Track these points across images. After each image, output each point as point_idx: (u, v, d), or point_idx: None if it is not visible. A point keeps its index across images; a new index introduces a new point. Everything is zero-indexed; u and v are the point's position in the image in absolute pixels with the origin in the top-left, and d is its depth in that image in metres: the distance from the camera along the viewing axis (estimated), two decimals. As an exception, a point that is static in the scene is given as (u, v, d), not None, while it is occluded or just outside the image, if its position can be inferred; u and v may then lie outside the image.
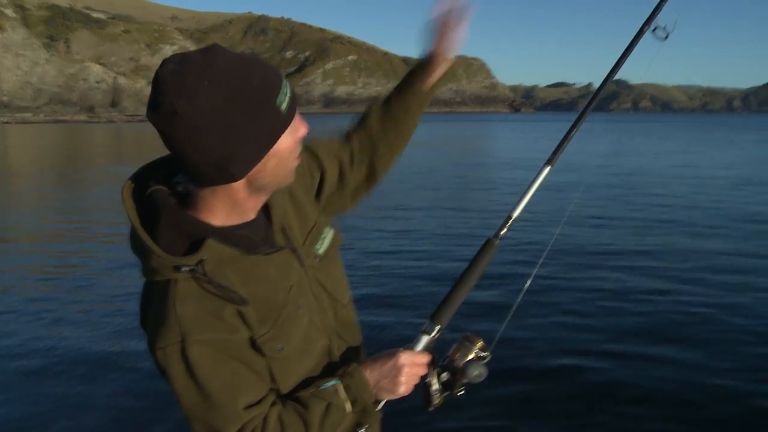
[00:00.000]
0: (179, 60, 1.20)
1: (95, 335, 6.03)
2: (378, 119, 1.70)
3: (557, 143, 1.73)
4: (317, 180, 1.60)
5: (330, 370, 1.47)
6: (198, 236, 1.27)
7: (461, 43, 1.63)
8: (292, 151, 1.31)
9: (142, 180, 1.34)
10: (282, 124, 1.26)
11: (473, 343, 1.48)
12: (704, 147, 38.18)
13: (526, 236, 8.92)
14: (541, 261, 1.74)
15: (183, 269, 1.24)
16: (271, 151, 1.26)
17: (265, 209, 1.41)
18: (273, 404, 1.34)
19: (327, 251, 1.53)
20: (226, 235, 1.30)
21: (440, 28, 1.61)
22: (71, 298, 7.31)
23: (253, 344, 1.31)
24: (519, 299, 1.61)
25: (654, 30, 1.84)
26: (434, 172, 21.50)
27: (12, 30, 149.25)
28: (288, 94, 1.26)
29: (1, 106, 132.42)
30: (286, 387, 1.39)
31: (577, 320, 6.25)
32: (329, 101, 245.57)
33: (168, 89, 1.16)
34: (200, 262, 1.24)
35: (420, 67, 1.67)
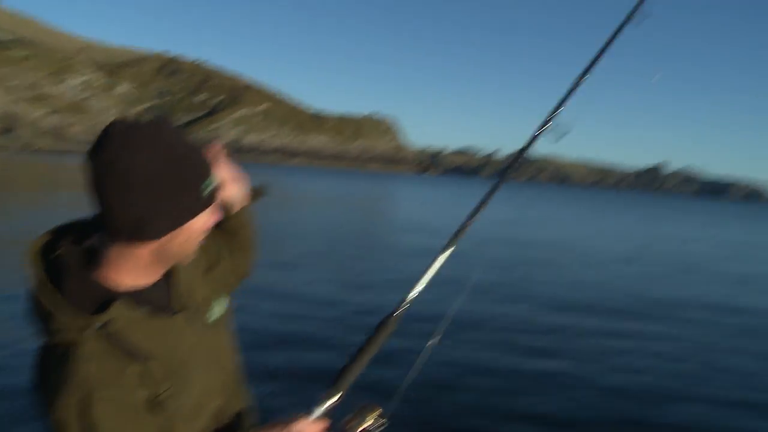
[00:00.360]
0: (133, 121, 1.28)
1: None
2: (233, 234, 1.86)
3: (457, 227, 1.92)
4: (206, 257, 1.71)
5: (211, 425, 1.53)
6: (106, 296, 1.30)
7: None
8: (201, 233, 1.41)
9: (52, 239, 1.36)
10: (202, 206, 1.36)
11: (370, 412, 1.55)
12: (600, 222, 41.33)
13: (425, 309, 9.66)
14: (437, 337, 1.88)
15: (89, 330, 1.25)
16: (185, 226, 1.35)
17: (167, 274, 1.48)
18: None
19: (218, 319, 1.63)
20: (132, 296, 1.35)
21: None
22: None
23: (155, 402, 1.33)
24: (415, 373, 1.73)
25: (552, 130, 2.13)
26: (340, 233, 22.57)
27: None
28: (214, 183, 1.39)
29: None
30: None
31: (471, 398, 6.84)
32: (237, 149, 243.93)
33: (115, 141, 1.23)
34: (107, 322, 1.27)
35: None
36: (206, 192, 1.37)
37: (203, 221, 1.41)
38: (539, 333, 9.96)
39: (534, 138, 2.16)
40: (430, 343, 1.77)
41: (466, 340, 8.98)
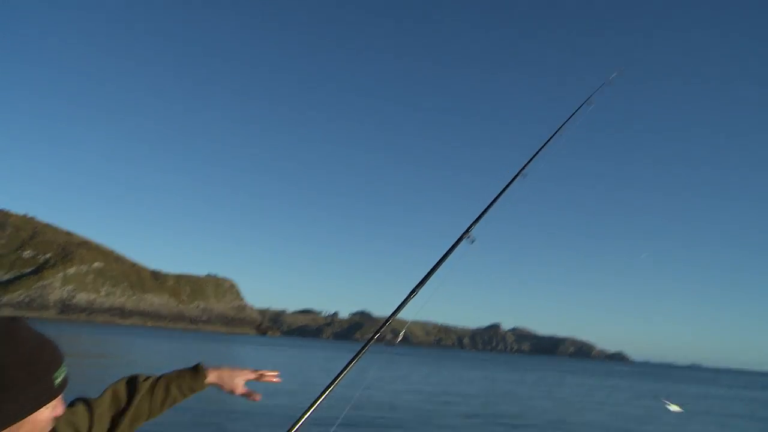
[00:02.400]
0: None
1: None
2: (140, 399, 1.89)
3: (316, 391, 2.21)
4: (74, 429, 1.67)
5: None
6: None
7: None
8: (47, 425, 1.39)
9: None
10: (50, 396, 1.37)
11: None
12: (441, 379, 43.24)
13: None
14: None
15: None
16: (30, 417, 1.34)
17: None
18: None
19: None
20: None
21: (240, 386, 2.08)
22: None
23: None
24: None
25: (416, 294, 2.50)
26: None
27: None
28: (63, 376, 1.40)
29: None
30: None
31: None
32: (66, 307, 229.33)
33: None
34: None
35: (201, 372, 2.02)
36: (57, 381, 1.37)
37: (49, 413, 1.38)
38: None
39: (404, 303, 2.71)
40: None
41: None
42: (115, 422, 1.82)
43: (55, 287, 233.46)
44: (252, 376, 2.16)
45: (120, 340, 77.25)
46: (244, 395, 2.13)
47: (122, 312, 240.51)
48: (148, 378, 1.97)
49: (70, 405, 1.76)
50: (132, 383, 1.93)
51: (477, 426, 20.51)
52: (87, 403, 1.80)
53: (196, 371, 2.05)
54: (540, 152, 3.55)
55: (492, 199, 3.14)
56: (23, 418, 1.31)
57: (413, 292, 2.74)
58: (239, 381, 2.11)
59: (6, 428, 1.31)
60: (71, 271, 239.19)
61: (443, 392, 34.56)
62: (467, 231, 3.00)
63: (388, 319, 2.53)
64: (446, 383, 43.11)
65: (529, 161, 3.47)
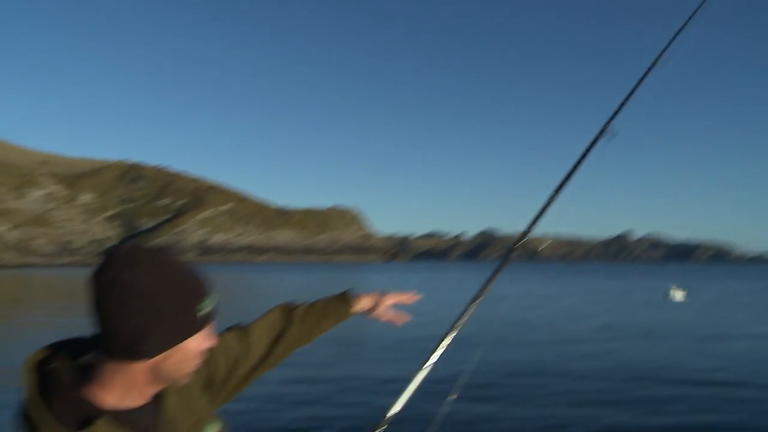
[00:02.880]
0: (137, 245, 1.37)
1: None
2: (293, 326, 1.94)
3: (436, 343, 1.97)
4: (205, 373, 1.70)
5: None
6: (90, 414, 1.30)
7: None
8: (196, 355, 1.40)
9: (49, 354, 1.38)
10: (197, 327, 1.37)
11: None
12: (573, 293, 42.19)
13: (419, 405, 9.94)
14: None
15: None
16: (180, 346, 1.35)
17: (158, 397, 1.47)
18: None
19: None
20: (117, 416, 1.34)
21: (385, 311, 2.05)
22: None
23: None
24: None
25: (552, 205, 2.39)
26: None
27: None
28: (210, 307, 1.39)
29: None
30: None
31: None
32: (204, 250, 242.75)
33: (117, 261, 1.29)
34: None
35: (348, 301, 2.04)
36: (202, 313, 1.39)
37: (198, 343, 1.41)
38: (547, 405, 10.63)
39: (537, 218, 2.50)
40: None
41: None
42: (270, 348, 1.89)
43: (192, 231, 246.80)
44: (395, 299, 2.11)
45: (256, 277, 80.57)
46: (389, 320, 2.11)
47: (255, 250, 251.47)
48: (299, 305, 2.01)
49: (224, 333, 1.82)
50: (285, 310, 1.98)
51: (617, 339, 19.47)
52: (241, 329, 1.87)
53: (344, 297, 2.07)
54: (682, 31, 2.95)
55: (631, 88, 2.77)
56: (170, 348, 1.34)
57: (553, 197, 2.44)
58: (384, 306, 2.10)
59: (153, 357, 1.34)
60: (205, 214, 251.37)
61: (577, 306, 33.54)
62: (607, 124, 2.70)
63: (525, 232, 2.28)
64: (579, 297, 41.63)
65: (671, 41, 2.92)
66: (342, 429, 9.68)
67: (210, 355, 1.66)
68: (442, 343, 1.91)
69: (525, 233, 2.50)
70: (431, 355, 1.73)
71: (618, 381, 12.85)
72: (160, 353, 1.34)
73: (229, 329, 1.85)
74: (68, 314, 25.99)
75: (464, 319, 2.08)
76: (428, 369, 1.78)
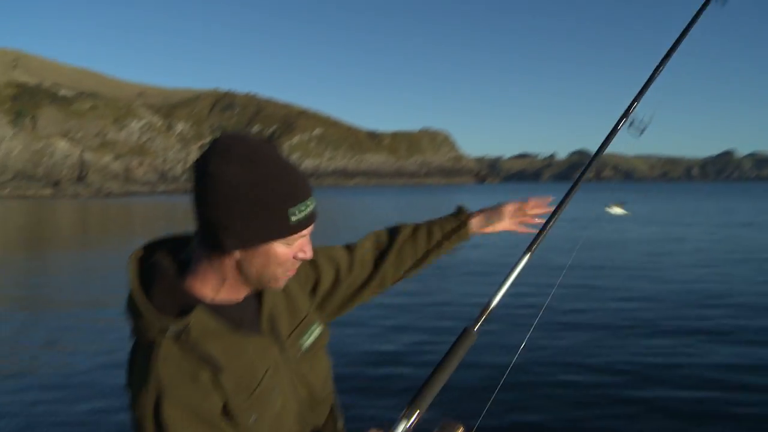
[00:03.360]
0: (238, 135, 1.34)
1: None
2: (402, 246, 1.87)
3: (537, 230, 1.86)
4: (312, 279, 1.73)
5: None
6: (189, 304, 1.36)
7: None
8: (284, 263, 1.38)
9: (151, 249, 1.46)
10: (283, 231, 1.33)
11: (453, 430, 1.44)
12: (669, 213, 40.04)
13: (507, 318, 9.30)
14: (522, 345, 1.90)
15: (168, 332, 1.32)
16: (263, 248, 1.34)
17: (258, 296, 1.51)
18: None
19: (312, 345, 1.61)
20: (214, 308, 1.39)
21: (516, 217, 1.92)
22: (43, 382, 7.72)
23: (227, 412, 1.36)
24: (502, 381, 1.76)
25: (630, 124, 2.03)
26: None
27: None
28: (303, 214, 1.34)
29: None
30: None
31: (562, 411, 6.31)
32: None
33: (213, 151, 1.30)
34: (186, 327, 1.32)
35: (465, 220, 1.91)
36: (293, 219, 1.33)
37: (286, 251, 1.37)
38: (643, 334, 9.39)
39: (611, 135, 2.10)
40: (520, 348, 1.72)
41: (554, 348, 8.53)
42: (377, 265, 1.86)
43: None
44: (515, 206, 1.97)
45: (347, 200, 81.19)
46: (514, 228, 1.98)
47: (346, 174, 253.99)
48: (410, 225, 1.97)
49: (331, 246, 1.83)
50: (393, 228, 1.94)
51: (714, 262, 17.74)
52: (347, 245, 1.87)
53: (458, 212, 1.98)
54: None
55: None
56: (252, 246, 1.33)
57: (652, 78, 2.06)
58: (504, 216, 1.96)
59: (232, 251, 1.34)
60: (295, 140, 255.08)
61: (673, 226, 31.51)
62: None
63: (598, 152, 2.02)
64: (675, 217, 39.43)
65: None
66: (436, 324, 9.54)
67: (317, 264, 1.69)
68: (519, 264, 1.75)
69: (598, 152, 2.07)
70: (508, 275, 1.66)
71: (712, 308, 11.23)
72: (241, 249, 1.33)
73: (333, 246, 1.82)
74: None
75: (539, 241, 1.84)
76: (506, 290, 1.64)
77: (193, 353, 1.32)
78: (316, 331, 1.63)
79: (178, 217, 44.72)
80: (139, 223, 43.32)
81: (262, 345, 1.47)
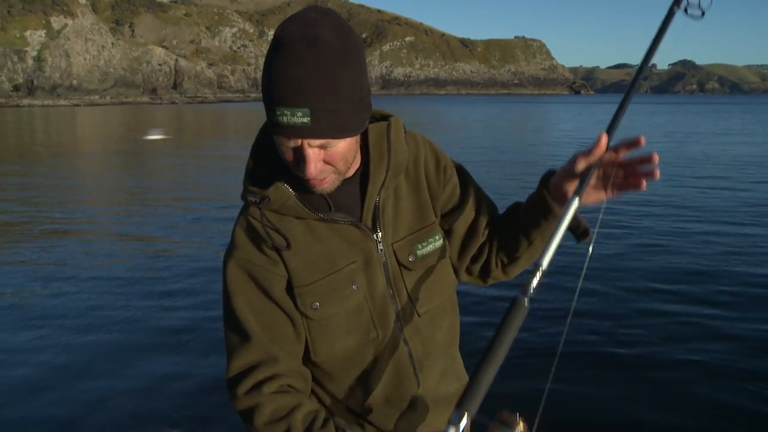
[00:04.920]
0: (301, 15, 1.25)
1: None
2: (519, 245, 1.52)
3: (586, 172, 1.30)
4: (446, 205, 1.54)
5: (373, 365, 1.46)
6: (277, 179, 1.35)
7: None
8: (288, 162, 1.30)
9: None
10: (271, 126, 1.26)
11: (512, 427, 1.16)
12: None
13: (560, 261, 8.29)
14: (573, 303, 1.20)
15: (252, 198, 1.36)
16: (275, 137, 1.29)
17: (364, 189, 1.43)
18: (292, 376, 1.38)
19: (425, 256, 1.49)
20: (301, 187, 1.35)
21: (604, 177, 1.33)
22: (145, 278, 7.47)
23: (290, 290, 1.38)
24: (555, 361, 1.34)
25: (686, 9, 1.43)
26: (502, 156, 21.10)
27: (82, 16, 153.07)
28: (284, 119, 1.22)
29: (71, 89, 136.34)
30: (317, 355, 1.42)
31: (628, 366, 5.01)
32: (386, 83, 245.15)
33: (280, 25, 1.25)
34: (265, 198, 1.34)
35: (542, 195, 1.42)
36: (276, 119, 1.23)
37: (284, 149, 1.28)
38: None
39: (668, 17, 1.46)
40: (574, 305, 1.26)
41: (607, 313, 6.25)
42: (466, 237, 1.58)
43: (375, 64, 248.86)
44: (598, 153, 1.28)
45: (438, 109, 79.67)
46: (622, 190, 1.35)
47: (437, 82, 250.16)
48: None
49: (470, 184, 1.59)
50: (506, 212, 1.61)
51: None
52: (489, 217, 1.59)
53: (539, 188, 1.44)
54: None
55: None
56: (273, 133, 1.28)
57: None
58: (580, 169, 1.31)
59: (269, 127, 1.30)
60: (386, 47, 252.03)
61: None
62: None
63: (654, 44, 1.33)
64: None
65: None
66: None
67: (464, 202, 1.53)
68: (568, 211, 1.24)
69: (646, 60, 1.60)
70: (557, 228, 1.22)
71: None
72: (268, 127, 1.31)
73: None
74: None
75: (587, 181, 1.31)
76: (556, 245, 1.20)
77: (264, 224, 1.35)
78: (438, 243, 1.51)
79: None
80: (233, 128, 43.58)
81: (352, 236, 1.42)
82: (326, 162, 1.29)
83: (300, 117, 1.21)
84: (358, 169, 1.43)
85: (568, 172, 1.33)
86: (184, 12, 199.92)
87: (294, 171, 1.32)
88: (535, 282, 1.20)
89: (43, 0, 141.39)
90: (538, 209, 1.43)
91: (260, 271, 1.37)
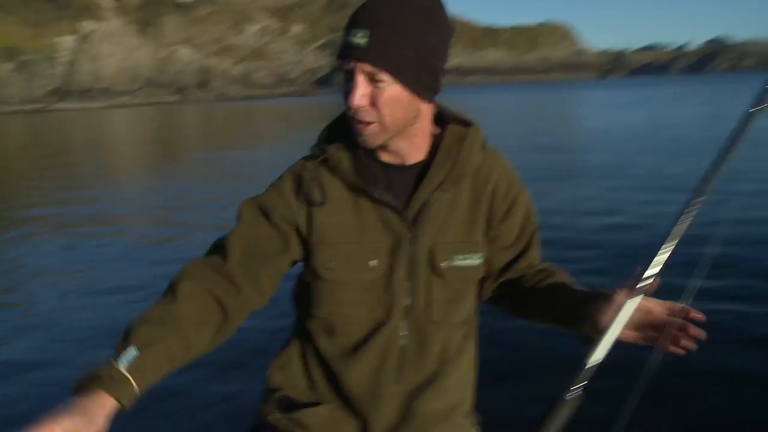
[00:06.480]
0: None
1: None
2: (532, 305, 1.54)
3: (707, 169, 1.25)
4: (487, 210, 1.50)
5: (363, 342, 1.46)
6: (337, 139, 1.44)
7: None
8: (342, 89, 1.36)
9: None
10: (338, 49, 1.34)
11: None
12: None
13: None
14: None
15: (311, 151, 1.45)
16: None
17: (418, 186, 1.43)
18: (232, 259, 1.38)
19: (460, 268, 1.47)
20: (360, 157, 1.42)
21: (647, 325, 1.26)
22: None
23: (308, 245, 1.44)
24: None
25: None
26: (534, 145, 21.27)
27: (110, 20, 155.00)
28: (345, 39, 1.30)
29: (101, 92, 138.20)
30: (320, 311, 1.46)
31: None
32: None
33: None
34: (322, 154, 1.43)
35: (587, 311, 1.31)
36: (344, 39, 1.31)
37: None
38: None
39: None
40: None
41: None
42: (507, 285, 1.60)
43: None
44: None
45: (464, 98, 79.22)
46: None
47: (462, 71, 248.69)
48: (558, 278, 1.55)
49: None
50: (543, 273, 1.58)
51: None
52: (529, 261, 1.59)
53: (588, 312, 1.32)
54: None
55: None
56: (337, 58, 1.36)
57: None
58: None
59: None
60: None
61: None
62: None
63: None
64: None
65: None
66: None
67: (512, 224, 1.51)
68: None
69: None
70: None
71: None
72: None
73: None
74: (295, 138, 26.90)
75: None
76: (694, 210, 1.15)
77: (311, 173, 1.42)
78: (476, 262, 1.48)
79: (297, 119, 45.10)
80: (260, 124, 43.84)
81: (390, 219, 1.42)
82: (372, 103, 1.30)
83: (359, 37, 1.26)
84: (421, 161, 1.44)
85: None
86: (208, 11, 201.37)
87: (345, 107, 1.34)
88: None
89: (72, 6, 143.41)
90: (573, 318, 1.37)
91: (276, 207, 1.43)
